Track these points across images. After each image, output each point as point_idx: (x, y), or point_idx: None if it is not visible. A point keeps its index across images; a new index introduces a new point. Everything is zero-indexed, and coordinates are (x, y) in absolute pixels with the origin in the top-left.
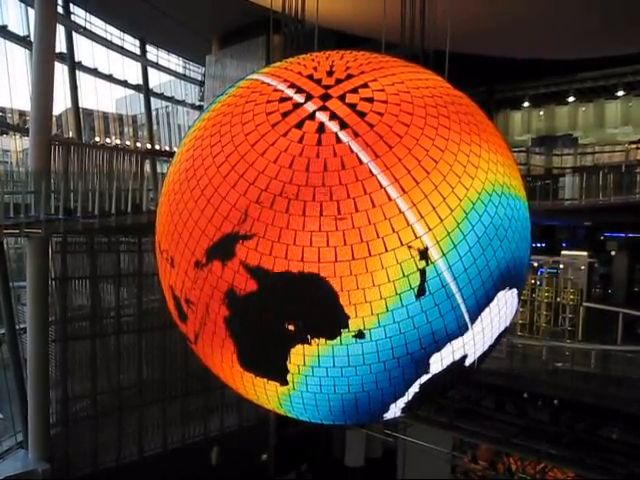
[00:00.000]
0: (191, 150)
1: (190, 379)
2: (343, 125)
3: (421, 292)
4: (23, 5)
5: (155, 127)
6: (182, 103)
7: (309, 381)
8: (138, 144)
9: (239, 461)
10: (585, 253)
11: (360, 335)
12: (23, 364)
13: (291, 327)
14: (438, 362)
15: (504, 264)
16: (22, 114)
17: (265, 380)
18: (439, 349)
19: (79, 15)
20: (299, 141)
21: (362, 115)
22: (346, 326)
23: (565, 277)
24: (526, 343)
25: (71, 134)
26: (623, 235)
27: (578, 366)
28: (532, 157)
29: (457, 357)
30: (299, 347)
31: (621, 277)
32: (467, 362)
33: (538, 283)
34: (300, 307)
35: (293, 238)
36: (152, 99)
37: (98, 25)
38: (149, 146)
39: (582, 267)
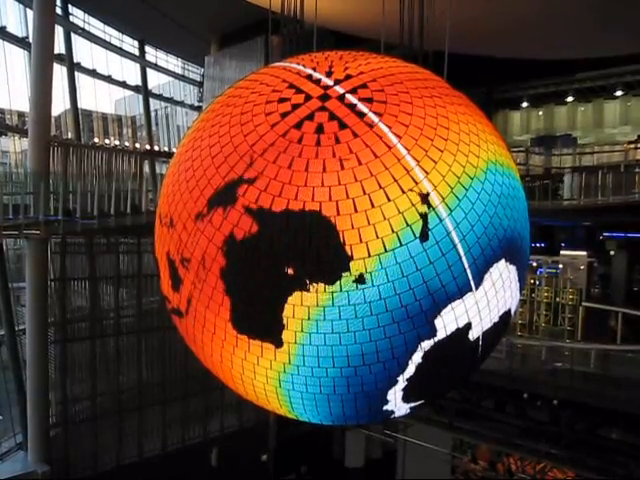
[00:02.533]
0: (190, 151)
1: (190, 380)
2: (342, 125)
3: (424, 236)
4: (22, 6)
5: (154, 128)
6: (181, 104)
7: (305, 346)
8: (137, 145)
9: (239, 462)
10: (584, 253)
11: (361, 280)
12: (22, 365)
13: (290, 271)
14: (442, 327)
15: (508, 231)
16: (21, 115)
17: (260, 348)
18: (443, 304)
19: (78, 16)
20: (298, 142)
21: (361, 115)
22: (347, 269)
23: (564, 277)
24: (526, 343)
25: (70, 135)
26: (622, 235)
27: (578, 366)
28: (531, 157)
29: (461, 324)
30: (296, 297)
31: (620, 277)
32: (471, 335)
33: (537, 283)
34: (300, 248)
35: None
36: (151, 100)
37: (97, 26)
38: (148, 147)
39: (581, 267)
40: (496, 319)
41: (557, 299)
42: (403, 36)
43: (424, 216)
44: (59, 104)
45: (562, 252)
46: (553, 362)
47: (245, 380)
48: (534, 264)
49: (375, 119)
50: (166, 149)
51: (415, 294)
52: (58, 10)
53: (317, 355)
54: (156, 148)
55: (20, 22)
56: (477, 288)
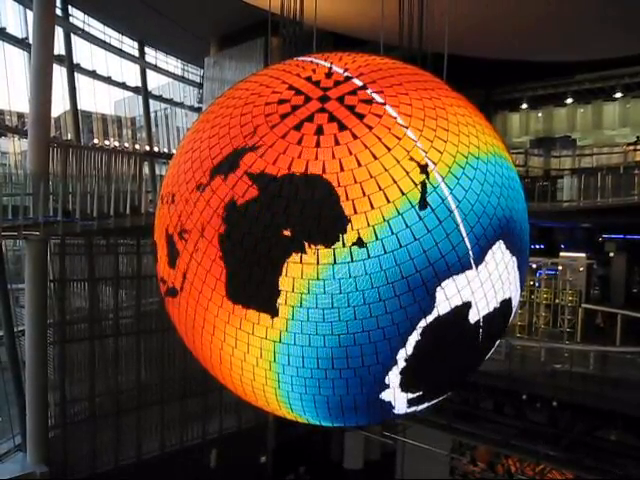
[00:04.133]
0: (190, 152)
1: (189, 381)
2: (342, 127)
3: (423, 204)
4: (22, 7)
5: (154, 129)
6: (181, 105)
7: (301, 313)
8: (137, 146)
9: (238, 463)
10: (584, 254)
11: (360, 243)
12: (21, 366)
13: (287, 232)
14: (443, 300)
15: (507, 212)
16: (21, 116)
17: (255, 316)
18: (443, 275)
19: (77, 17)
20: (298, 143)
21: (360, 117)
22: (344, 231)
23: (564, 278)
24: (525, 344)
25: (70, 136)
26: (621, 236)
27: (577, 367)
28: (530, 159)
29: (461, 300)
30: (293, 261)
31: (619, 278)
32: (471, 317)
33: (537, 284)
34: (299, 210)
35: None
36: (151, 101)
37: (97, 27)
38: (148, 148)
39: (581, 268)
40: (496, 304)
41: (556, 301)
42: (402, 38)
43: (424, 186)
44: (59, 105)
45: (561, 254)
46: (552, 364)
47: (236, 356)
48: (533, 266)
49: (374, 120)
50: (166, 150)
51: (415, 264)
52: (58, 11)
53: (314, 321)
54: (156, 149)
55: (20, 23)
56: (477, 266)
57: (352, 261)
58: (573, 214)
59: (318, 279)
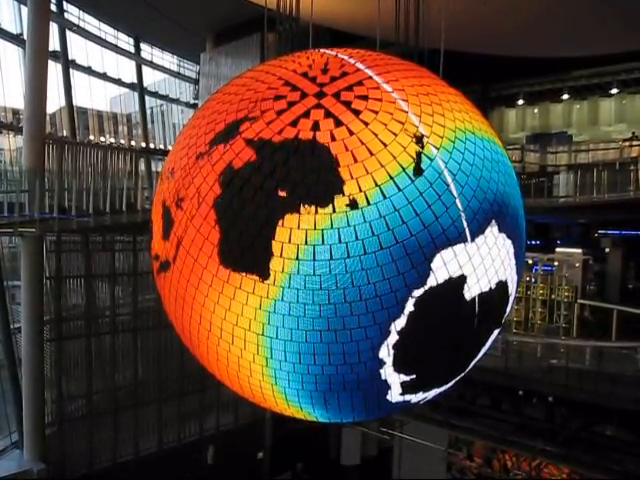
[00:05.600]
0: (186, 148)
1: (186, 378)
2: (338, 123)
3: (418, 171)
4: (16, 3)
5: (150, 125)
6: (177, 101)
7: (294, 278)
8: (132, 143)
9: (235, 460)
10: (580, 250)
11: (354, 204)
12: (18, 364)
13: (282, 193)
14: (438, 268)
15: (500, 187)
16: (15, 112)
17: (250, 283)
18: (438, 247)
19: (72, 13)
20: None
21: (357, 113)
22: (340, 192)
23: (560, 274)
24: (521, 340)
25: (65, 133)
26: (617, 232)
27: (573, 363)
28: (527, 155)
29: (455, 273)
30: (288, 222)
31: (615, 274)
32: (466, 293)
33: (533, 280)
34: (294, 171)
35: None
36: (146, 97)
37: (92, 23)
38: (144, 144)
39: (577, 264)
40: (492, 285)
41: (552, 296)
42: (399, 34)
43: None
44: (54, 101)
45: (557, 250)
46: (548, 359)
47: (225, 328)
48: (529, 261)
49: (371, 116)
50: (162, 147)
51: (409, 227)
52: (53, 7)
53: (310, 288)
54: (152, 146)
55: (14, 19)
56: (472, 239)
57: (348, 225)
58: (569, 210)
59: (309, 243)
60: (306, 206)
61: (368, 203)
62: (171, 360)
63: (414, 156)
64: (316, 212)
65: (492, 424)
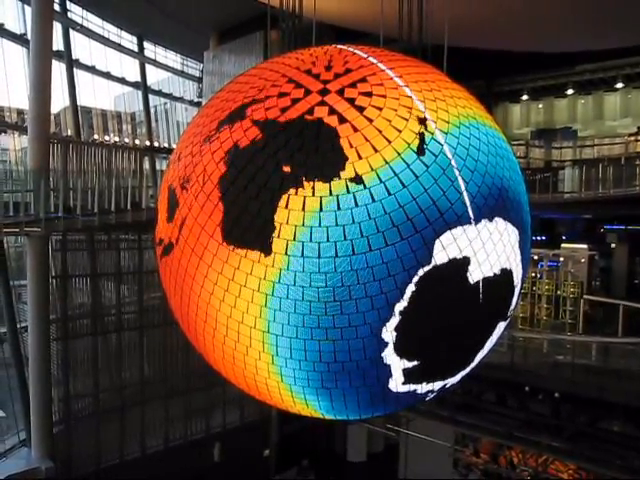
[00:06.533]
0: (190, 146)
1: (192, 376)
2: (342, 120)
3: (421, 151)
4: (20, 3)
5: (154, 124)
6: (180, 100)
7: (297, 257)
8: (137, 141)
9: (241, 457)
10: (585, 246)
11: (358, 180)
12: (25, 362)
13: (287, 169)
14: (441, 250)
15: (504, 177)
16: (20, 112)
17: (251, 262)
18: (442, 226)
19: (76, 12)
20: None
21: (361, 109)
22: (343, 168)
23: (565, 270)
24: (527, 336)
25: (70, 132)
26: (623, 227)
27: (579, 359)
28: (531, 150)
29: (459, 254)
30: (290, 196)
31: (621, 269)
32: (470, 276)
33: (538, 276)
34: (299, 149)
35: None
36: (150, 96)
37: (95, 22)
38: (148, 143)
39: (582, 260)
40: (496, 271)
41: (558, 292)
42: (402, 30)
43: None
44: (58, 101)
45: (563, 245)
46: (554, 355)
47: (226, 301)
48: (535, 257)
49: (375, 113)
50: (166, 145)
51: (419, 204)
52: (56, 7)
53: (309, 267)
54: (156, 144)
55: (18, 19)
56: (476, 223)
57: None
58: (574, 205)
59: (305, 224)
60: (310, 182)
61: (371, 185)
62: (177, 358)
63: (417, 153)
64: (318, 186)
65: (498, 420)
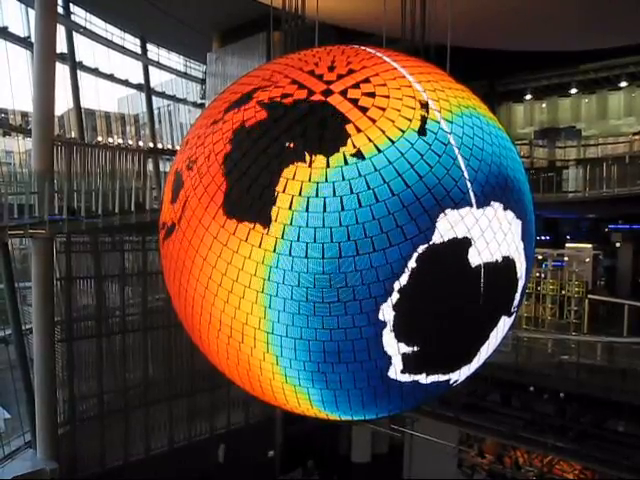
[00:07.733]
0: (194, 148)
1: (196, 377)
2: (345, 120)
3: (422, 132)
4: (23, 6)
5: (157, 126)
6: (184, 101)
7: (301, 229)
8: (140, 143)
9: (246, 458)
10: (590, 245)
11: (359, 155)
12: (30, 364)
13: (290, 145)
14: (444, 229)
15: (505, 165)
16: (24, 115)
17: (256, 237)
18: (443, 205)
19: (79, 15)
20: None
21: (364, 110)
22: (345, 144)
23: (570, 270)
24: (531, 336)
25: (73, 134)
26: (628, 227)
27: (584, 359)
28: (535, 150)
29: (460, 233)
30: (292, 170)
31: (626, 269)
32: (471, 258)
33: (543, 276)
34: (304, 127)
35: None
36: (154, 98)
37: (98, 25)
38: (151, 145)
39: (587, 259)
40: (498, 257)
41: (563, 292)
42: (405, 30)
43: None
44: (62, 103)
45: (567, 245)
46: (559, 355)
47: (224, 285)
48: (539, 257)
49: (378, 113)
50: (169, 147)
51: (425, 182)
52: (59, 9)
53: (310, 239)
54: (159, 146)
55: (22, 22)
56: (478, 206)
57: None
58: (579, 205)
59: (311, 182)
60: (312, 156)
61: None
62: (181, 359)
63: (419, 134)
64: (320, 160)
65: (503, 420)
